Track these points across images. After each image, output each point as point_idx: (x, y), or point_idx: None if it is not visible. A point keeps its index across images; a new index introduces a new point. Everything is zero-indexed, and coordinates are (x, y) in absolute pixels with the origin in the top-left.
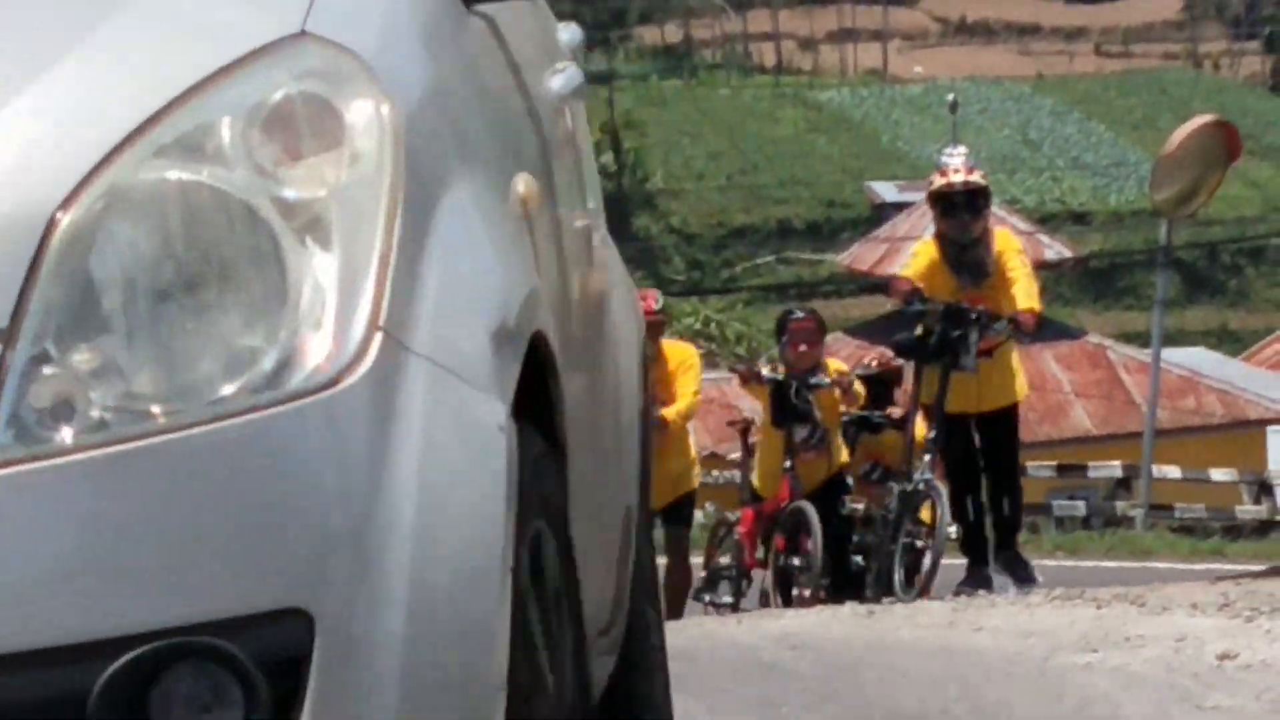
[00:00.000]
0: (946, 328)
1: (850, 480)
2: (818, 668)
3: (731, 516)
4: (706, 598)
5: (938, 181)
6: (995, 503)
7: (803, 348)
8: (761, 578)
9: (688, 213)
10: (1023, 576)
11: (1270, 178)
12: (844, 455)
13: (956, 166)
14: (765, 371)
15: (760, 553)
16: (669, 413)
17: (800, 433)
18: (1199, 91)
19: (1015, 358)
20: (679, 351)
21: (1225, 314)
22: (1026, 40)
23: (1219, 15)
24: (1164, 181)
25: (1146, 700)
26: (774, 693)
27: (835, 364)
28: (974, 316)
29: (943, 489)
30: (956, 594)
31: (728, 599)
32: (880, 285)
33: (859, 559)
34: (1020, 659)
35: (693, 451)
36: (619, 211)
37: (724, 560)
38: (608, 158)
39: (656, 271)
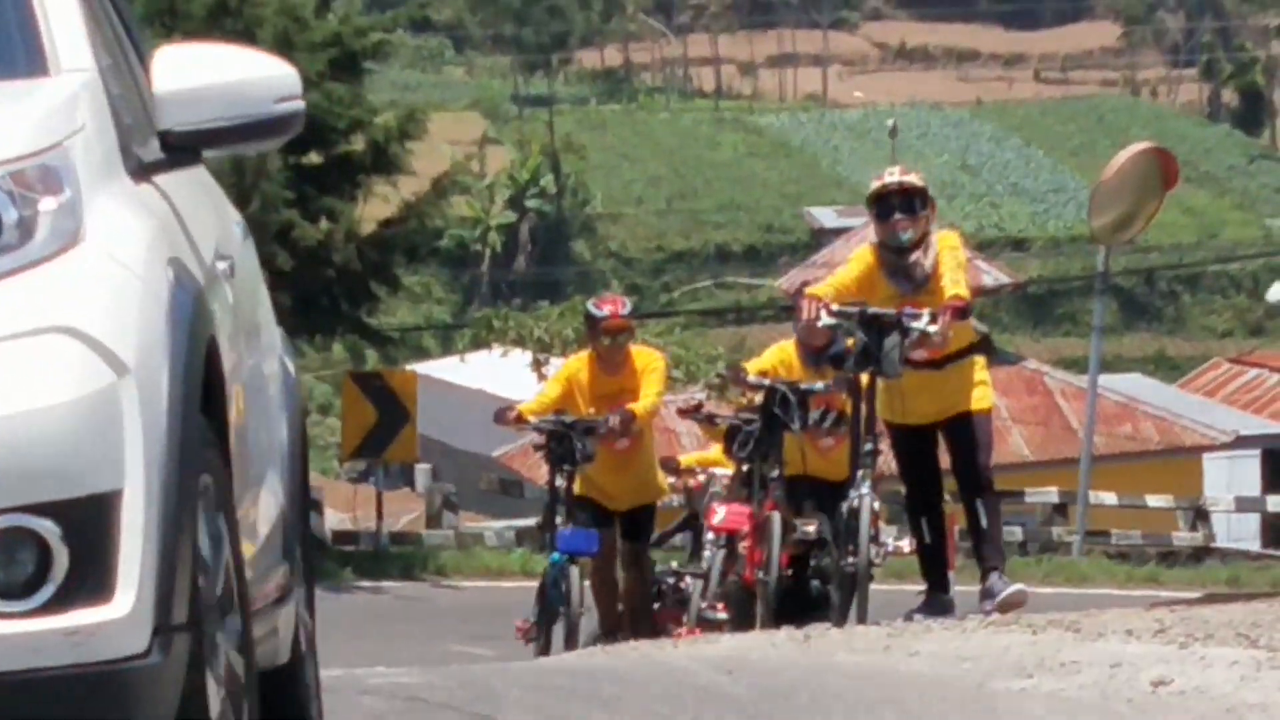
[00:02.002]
0: (866, 335)
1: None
2: (753, 691)
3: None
4: (707, 615)
5: (874, 185)
6: (972, 524)
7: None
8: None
9: (626, 237)
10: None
11: (1207, 205)
12: None
13: (893, 170)
14: (752, 379)
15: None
16: (636, 407)
17: (812, 417)
18: (1137, 118)
19: (980, 367)
20: (644, 356)
21: (1162, 341)
22: (966, 66)
23: (1157, 43)
24: (1102, 208)
25: None
26: (708, 717)
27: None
28: (894, 320)
29: (872, 503)
30: (908, 619)
31: (723, 615)
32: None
33: (817, 583)
34: (955, 684)
35: (655, 460)
36: (558, 235)
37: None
38: (548, 180)
39: (594, 296)
